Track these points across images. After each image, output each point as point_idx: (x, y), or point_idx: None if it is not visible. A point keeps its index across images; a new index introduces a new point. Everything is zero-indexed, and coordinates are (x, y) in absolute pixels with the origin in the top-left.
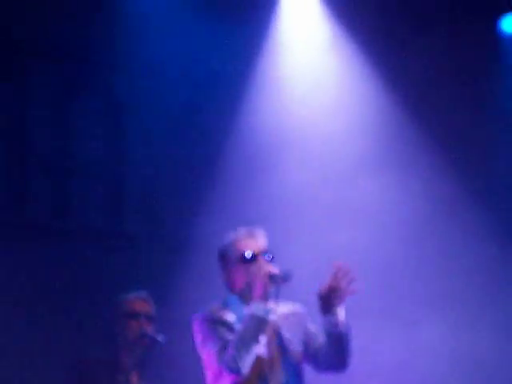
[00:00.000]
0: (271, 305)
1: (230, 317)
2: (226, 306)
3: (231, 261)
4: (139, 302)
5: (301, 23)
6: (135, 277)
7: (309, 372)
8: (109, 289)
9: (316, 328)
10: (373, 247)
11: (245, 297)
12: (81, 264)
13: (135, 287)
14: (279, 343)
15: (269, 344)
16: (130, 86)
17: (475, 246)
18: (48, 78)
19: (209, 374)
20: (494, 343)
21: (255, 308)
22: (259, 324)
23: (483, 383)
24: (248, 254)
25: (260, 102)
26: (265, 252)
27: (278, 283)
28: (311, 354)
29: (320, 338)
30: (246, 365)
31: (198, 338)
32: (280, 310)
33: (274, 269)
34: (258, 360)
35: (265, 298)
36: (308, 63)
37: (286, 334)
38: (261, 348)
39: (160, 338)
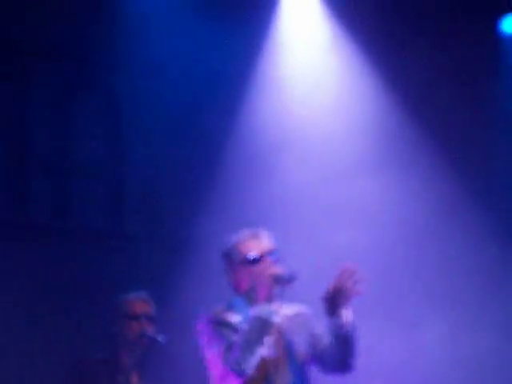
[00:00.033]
0: (276, 306)
1: (235, 318)
2: (230, 307)
3: (235, 263)
4: (139, 302)
5: (301, 23)
6: (135, 277)
7: (314, 373)
8: (109, 289)
9: (321, 329)
10: (373, 247)
11: (250, 298)
12: (81, 264)
13: (135, 287)
14: (285, 345)
15: (275, 346)
16: (129, 85)
17: (475, 246)
18: (48, 78)
19: (214, 376)
20: (494, 343)
21: (260, 310)
22: (264, 326)
23: (483, 383)
24: (251, 255)
25: (260, 102)
26: (269, 253)
27: (282, 284)
28: (317, 356)
29: (325, 340)
30: (251, 366)
31: (203, 339)
32: (285, 311)
33: (278, 270)
34: (263, 361)
35: (270, 299)
36: (308, 63)
37: (292, 336)
38: (266, 350)
39: (160, 338)
